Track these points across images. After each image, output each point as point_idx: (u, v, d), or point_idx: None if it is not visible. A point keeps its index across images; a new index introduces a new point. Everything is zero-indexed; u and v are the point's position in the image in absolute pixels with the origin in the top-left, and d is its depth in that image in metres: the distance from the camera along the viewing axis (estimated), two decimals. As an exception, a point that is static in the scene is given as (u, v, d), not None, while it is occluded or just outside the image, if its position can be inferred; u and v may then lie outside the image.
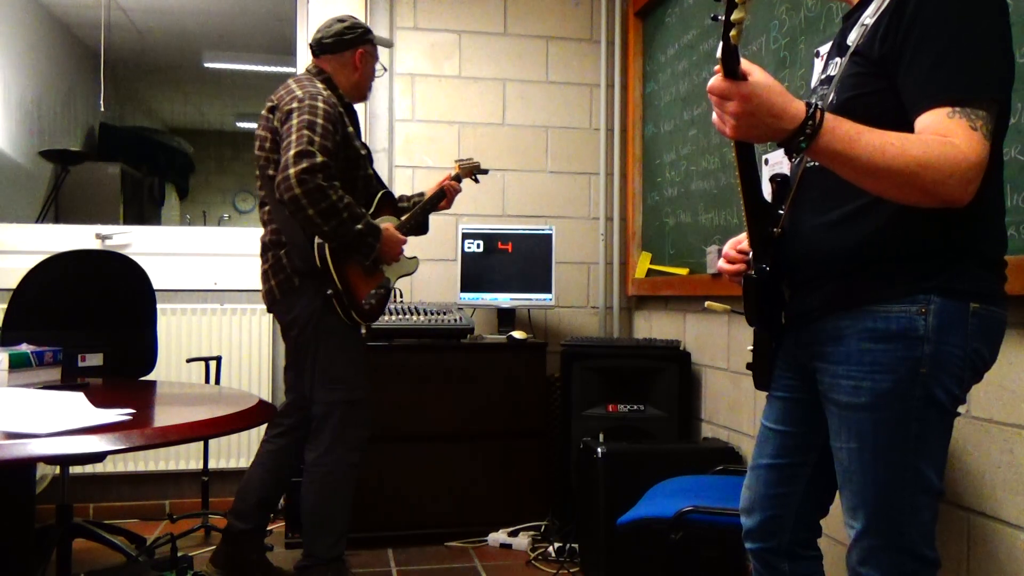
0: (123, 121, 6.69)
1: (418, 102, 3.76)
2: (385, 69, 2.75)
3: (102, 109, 5.50)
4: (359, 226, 2.37)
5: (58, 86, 5.14)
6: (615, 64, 3.89)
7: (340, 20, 2.62)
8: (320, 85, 2.50)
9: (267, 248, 2.55)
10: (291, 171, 2.26)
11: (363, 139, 2.70)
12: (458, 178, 2.89)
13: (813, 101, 1.28)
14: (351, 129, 2.52)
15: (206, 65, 6.10)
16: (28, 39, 4.68)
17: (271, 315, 3.15)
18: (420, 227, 2.89)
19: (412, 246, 3.71)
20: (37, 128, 4.77)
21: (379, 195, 2.64)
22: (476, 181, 3.05)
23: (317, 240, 2.40)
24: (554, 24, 3.87)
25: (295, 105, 2.38)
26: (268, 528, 2.87)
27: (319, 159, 2.28)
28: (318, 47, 2.60)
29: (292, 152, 2.28)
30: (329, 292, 2.43)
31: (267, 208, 2.52)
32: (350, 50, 2.58)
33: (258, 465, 2.65)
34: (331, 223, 2.32)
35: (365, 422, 2.58)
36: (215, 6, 4.90)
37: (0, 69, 4.23)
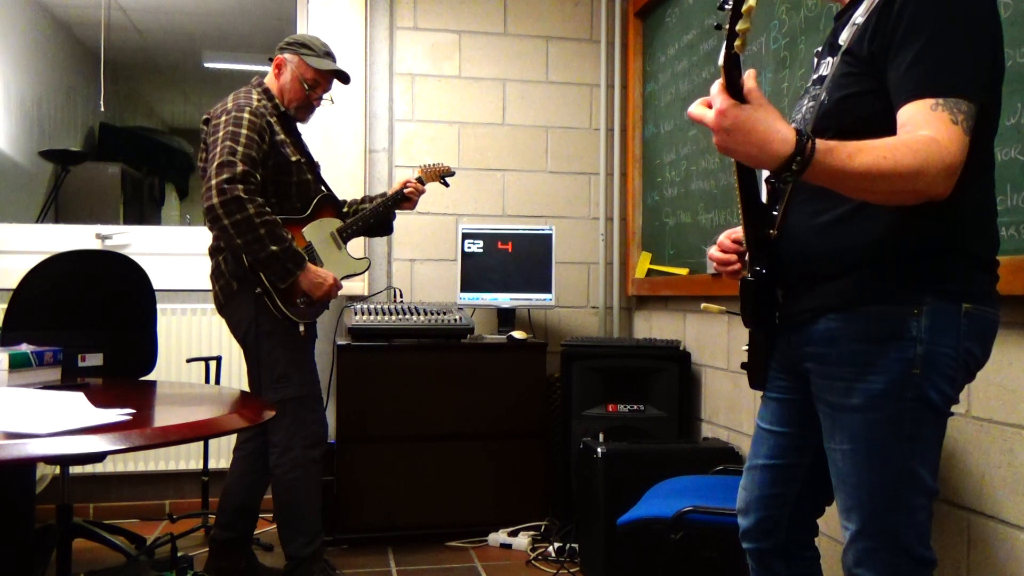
0: (123, 121, 6.68)
1: (418, 102, 3.75)
2: (333, 101, 2.73)
3: (102, 109, 5.49)
4: (274, 247, 2.37)
5: (58, 86, 5.13)
6: (615, 64, 3.89)
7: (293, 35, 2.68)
8: (255, 96, 2.55)
9: (211, 254, 2.60)
10: (212, 181, 2.30)
11: (307, 148, 2.73)
12: (421, 181, 2.90)
13: (804, 129, 1.27)
14: (281, 136, 2.54)
15: (206, 65, 6.09)
16: (28, 39, 4.68)
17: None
18: (381, 227, 2.91)
19: (406, 246, 3.73)
20: (37, 128, 4.77)
21: (317, 198, 2.64)
22: (445, 185, 3.08)
23: None
24: (554, 24, 3.87)
25: (223, 118, 2.43)
26: (256, 534, 2.88)
27: (240, 168, 2.32)
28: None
29: (215, 163, 2.33)
30: (258, 291, 2.45)
31: None
32: (274, 58, 2.63)
33: (232, 473, 2.69)
34: (246, 237, 2.33)
35: (320, 418, 2.62)
36: (215, 6, 4.90)
37: (0, 69, 4.23)
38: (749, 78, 1.18)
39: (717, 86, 1.19)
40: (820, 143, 1.17)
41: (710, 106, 1.21)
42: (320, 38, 2.70)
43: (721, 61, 1.17)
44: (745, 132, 1.17)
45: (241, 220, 2.31)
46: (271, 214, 2.37)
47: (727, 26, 1.14)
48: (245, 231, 2.32)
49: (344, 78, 2.70)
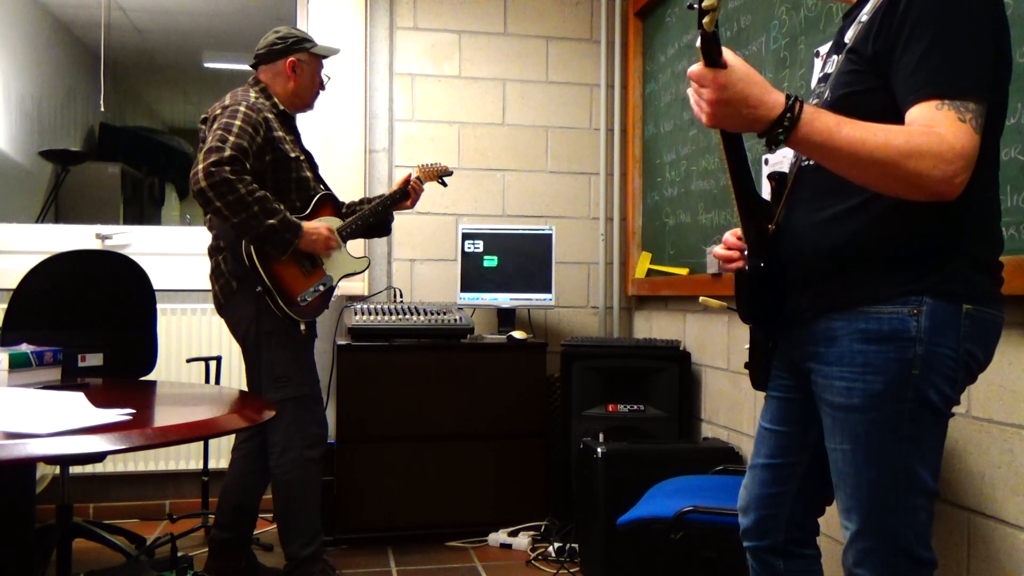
0: (123, 121, 6.68)
1: (418, 102, 3.75)
2: (329, 78, 2.76)
3: (102, 109, 5.49)
4: (271, 221, 2.38)
5: (58, 86, 5.13)
6: (615, 64, 3.89)
7: (276, 31, 2.67)
8: (253, 94, 2.56)
9: (210, 254, 2.60)
10: (200, 165, 2.30)
11: (304, 145, 2.74)
12: (420, 180, 2.90)
13: (795, 95, 1.28)
14: (280, 133, 2.54)
15: (206, 65, 6.09)
16: (28, 39, 4.67)
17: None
18: (379, 228, 2.91)
19: (406, 246, 3.73)
20: (37, 128, 4.76)
21: (317, 196, 2.65)
22: (443, 184, 3.08)
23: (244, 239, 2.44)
24: (554, 24, 3.87)
25: (219, 112, 2.45)
26: (256, 534, 2.88)
27: (228, 153, 2.32)
28: (255, 58, 2.66)
29: (204, 150, 2.33)
30: (259, 289, 2.46)
31: (209, 216, 2.54)
32: (281, 60, 2.63)
33: (230, 474, 2.69)
34: (240, 216, 2.33)
35: (320, 418, 2.62)
36: (215, 6, 4.90)
37: (0, 69, 4.23)
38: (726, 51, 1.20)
39: (698, 66, 1.20)
40: (808, 105, 1.20)
41: (700, 89, 1.22)
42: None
43: (698, 41, 1.18)
44: (738, 89, 1.19)
45: (233, 201, 2.31)
46: (261, 189, 2.38)
47: (696, 5, 1.15)
48: (239, 210, 2.32)
49: (336, 51, 2.79)
